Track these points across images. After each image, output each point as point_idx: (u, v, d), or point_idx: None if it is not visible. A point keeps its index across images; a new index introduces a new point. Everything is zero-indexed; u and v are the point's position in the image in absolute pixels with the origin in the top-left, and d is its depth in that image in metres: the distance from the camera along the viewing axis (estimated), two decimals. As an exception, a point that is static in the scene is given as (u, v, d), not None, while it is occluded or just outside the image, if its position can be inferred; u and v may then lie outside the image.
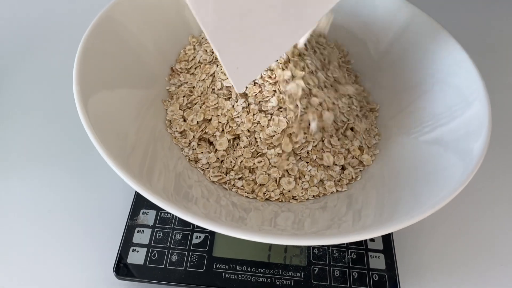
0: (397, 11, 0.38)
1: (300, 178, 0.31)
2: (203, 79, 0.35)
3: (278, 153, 0.31)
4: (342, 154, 0.33)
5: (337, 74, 0.35)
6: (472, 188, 0.33)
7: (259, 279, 0.30)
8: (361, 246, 0.32)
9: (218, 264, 0.30)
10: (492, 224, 0.36)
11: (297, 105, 0.30)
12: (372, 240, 0.32)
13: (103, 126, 0.27)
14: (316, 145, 0.32)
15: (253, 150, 0.32)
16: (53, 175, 0.37)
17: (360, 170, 0.33)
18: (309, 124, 0.31)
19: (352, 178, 0.32)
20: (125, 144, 0.28)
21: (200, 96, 0.34)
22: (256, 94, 0.32)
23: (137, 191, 0.24)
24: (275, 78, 0.31)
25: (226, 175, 0.31)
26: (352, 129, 0.34)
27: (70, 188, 0.36)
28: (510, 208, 0.37)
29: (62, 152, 0.38)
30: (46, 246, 0.33)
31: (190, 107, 0.34)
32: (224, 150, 0.32)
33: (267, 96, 0.31)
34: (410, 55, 0.38)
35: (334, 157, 0.32)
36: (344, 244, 0.32)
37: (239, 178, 0.31)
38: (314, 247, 0.31)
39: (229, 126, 0.32)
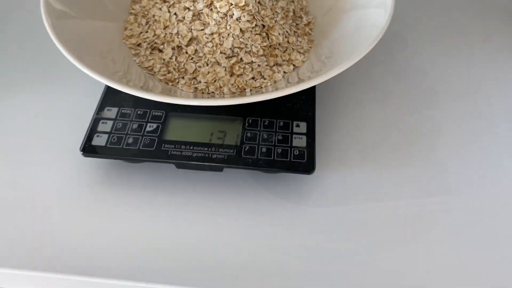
0: None
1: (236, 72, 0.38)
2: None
3: (215, 53, 0.37)
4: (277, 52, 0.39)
5: None
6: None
7: (199, 155, 0.36)
8: (287, 131, 0.38)
9: (166, 145, 0.37)
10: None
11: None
12: (297, 126, 0.38)
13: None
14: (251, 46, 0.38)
15: (194, 54, 0.38)
16: (39, 84, 0.45)
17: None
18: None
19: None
20: (94, 47, 0.36)
21: (154, 16, 0.41)
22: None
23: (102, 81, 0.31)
24: None
25: (171, 75, 0.38)
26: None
27: (53, 95, 0.44)
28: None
29: (47, 66, 0.47)
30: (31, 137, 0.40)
31: (146, 24, 0.41)
32: (169, 58, 0.39)
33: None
34: None
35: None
36: (272, 129, 0.38)
37: (182, 77, 0.38)
38: (247, 130, 0.37)
39: (172, 37, 0.39)
